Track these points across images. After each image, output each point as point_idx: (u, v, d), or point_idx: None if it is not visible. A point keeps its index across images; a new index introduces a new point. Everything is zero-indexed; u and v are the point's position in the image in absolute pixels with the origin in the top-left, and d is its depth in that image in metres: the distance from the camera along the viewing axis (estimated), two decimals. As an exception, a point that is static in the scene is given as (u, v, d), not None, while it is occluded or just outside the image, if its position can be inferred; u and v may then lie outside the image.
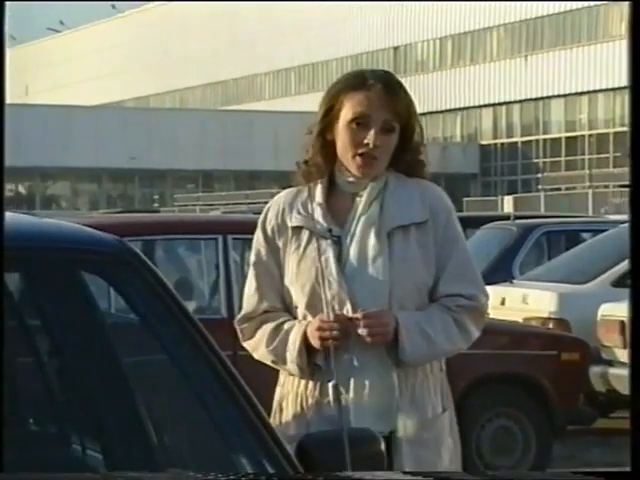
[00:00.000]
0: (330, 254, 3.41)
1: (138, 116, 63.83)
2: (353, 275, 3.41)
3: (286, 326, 3.46)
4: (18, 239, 2.64)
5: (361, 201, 3.46)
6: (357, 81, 3.47)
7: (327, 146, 3.48)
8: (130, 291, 2.59)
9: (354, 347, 3.38)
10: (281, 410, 3.46)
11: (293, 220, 3.48)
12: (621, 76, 51.85)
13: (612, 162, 51.64)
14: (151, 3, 77.37)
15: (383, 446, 2.48)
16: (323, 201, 3.47)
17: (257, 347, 3.51)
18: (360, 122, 3.42)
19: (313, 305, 3.41)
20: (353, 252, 3.42)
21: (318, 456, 2.36)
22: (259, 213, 3.61)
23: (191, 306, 7.12)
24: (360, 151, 3.41)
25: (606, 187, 40.19)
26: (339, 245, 3.43)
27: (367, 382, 3.40)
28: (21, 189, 62.89)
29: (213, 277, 7.67)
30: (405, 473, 2.37)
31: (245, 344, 3.55)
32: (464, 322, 3.44)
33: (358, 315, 3.35)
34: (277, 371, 3.55)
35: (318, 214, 3.46)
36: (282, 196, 3.56)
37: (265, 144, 58.19)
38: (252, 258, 3.57)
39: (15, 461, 2.46)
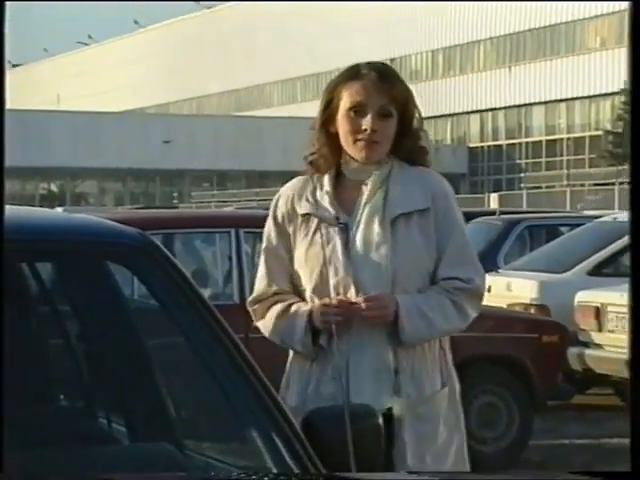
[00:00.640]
0: (337, 241, 3.31)
1: (159, 122, 63.85)
2: (358, 261, 3.30)
3: (294, 308, 3.37)
4: (51, 232, 2.64)
5: (367, 189, 3.34)
6: (352, 72, 3.36)
7: (331, 138, 3.36)
8: (151, 279, 2.59)
9: (355, 329, 3.29)
10: (287, 386, 3.40)
11: (302, 208, 3.37)
12: (596, 85, 51.84)
13: (588, 163, 51.61)
14: (171, 19, 77.30)
15: (381, 420, 2.47)
16: (331, 189, 3.36)
17: (267, 327, 3.43)
18: (357, 110, 3.31)
19: (320, 289, 3.32)
20: (358, 239, 3.31)
21: (322, 429, 2.35)
22: (268, 209, 3.53)
23: (206, 293, 7.12)
24: (360, 137, 3.30)
25: (582, 186, 40.15)
26: (346, 232, 3.32)
27: (366, 361, 3.29)
28: (53, 187, 62.94)
29: (226, 267, 7.66)
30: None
31: (257, 324, 3.47)
32: (461, 304, 3.33)
33: (360, 299, 3.25)
34: (285, 353, 3.48)
35: (326, 202, 3.35)
36: (292, 184, 3.45)
37: (274, 147, 58.17)
38: (263, 244, 3.47)
39: (47, 433, 2.46)
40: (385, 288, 3.30)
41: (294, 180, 3.46)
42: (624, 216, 12.44)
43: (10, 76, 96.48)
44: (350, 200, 3.35)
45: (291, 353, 3.45)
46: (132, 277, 2.72)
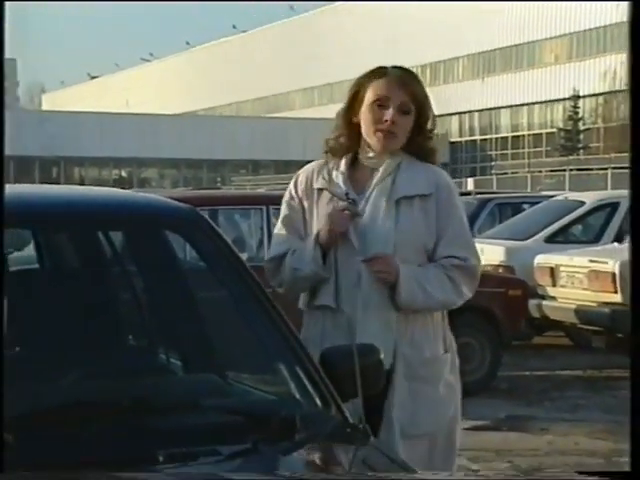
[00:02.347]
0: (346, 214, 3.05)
1: (207, 121, 63.78)
2: (365, 232, 3.03)
3: (304, 242, 3.09)
4: (121, 207, 2.63)
5: (378, 174, 3.08)
6: (379, 71, 3.09)
7: (352, 127, 3.09)
8: (200, 245, 2.58)
9: (363, 291, 3.01)
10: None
11: (317, 183, 3.10)
12: (551, 92, 51.56)
13: (544, 154, 51.32)
14: (215, 41, 77.09)
15: (382, 356, 2.43)
16: (346, 171, 3.09)
17: (282, 272, 3.08)
18: (381, 103, 3.03)
19: (328, 255, 3.04)
20: (367, 213, 3.03)
21: (335, 363, 2.34)
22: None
23: (244, 256, 7.10)
24: (380, 127, 3.02)
25: (540, 172, 39.90)
26: (354, 207, 3.06)
27: (370, 321, 2.99)
28: (123, 173, 62.92)
29: (259, 236, 7.69)
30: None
31: (272, 281, 3.13)
32: (456, 279, 3.04)
33: (371, 256, 3.00)
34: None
35: (339, 180, 3.08)
36: (312, 165, 3.19)
37: (296, 141, 58.04)
38: (281, 214, 3.18)
39: (120, 366, 2.45)
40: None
41: (314, 162, 3.21)
42: (573, 195, 12.39)
43: (89, 86, 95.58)
44: (361, 182, 3.10)
45: (306, 316, 3.13)
46: (184, 243, 2.70)
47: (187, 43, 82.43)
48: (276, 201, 7.91)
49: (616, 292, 8.55)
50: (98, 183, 48.78)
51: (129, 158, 59.40)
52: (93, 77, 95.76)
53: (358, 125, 3.08)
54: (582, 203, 11.01)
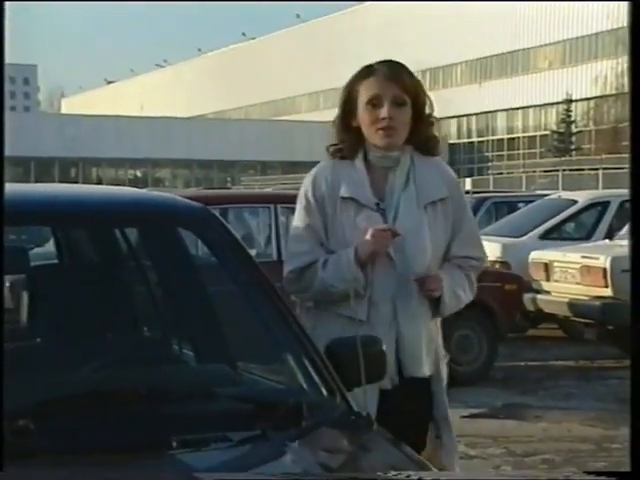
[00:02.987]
0: (379, 225, 2.80)
1: (217, 124, 63.76)
2: (400, 245, 2.79)
3: (336, 255, 2.81)
4: (136, 205, 2.62)
5: (396, 176, 2.85)
6: (366, 71, 2.90)
7: (353, 131, 2.88)
8: (212, 242, 2.57)
9: (400, 300, 2.81)
10: None
11: (343, 191, 2.83)
12: (544, 96, 51.48)
13: (539, 155, 51.23)
14: (226, 48, 77.07)
15: (384, 347, 2.40)
16: (366, 175, 2.86)
17: (308, 283, 2.82)
18: (375, 102, 2.83)
19: (364, 270, 2.80)
20: (399, 225, 2.80)
21: (340, 354, 2.33)
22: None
23: (252, 252, 7.11)
24: (379, 125, 2.82)
25: (534, 172, 39.83)
26: (383, 217, 2.83)
27: (418, 331, 2.81)
28: (138, 173, 62.94)
29: (267, 233, 7.68)
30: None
31: (291, 289, 2.88)
32: (472, 279, 2.94)
33: (422, 274, 2.80)
34: None
35: (366, 187, 2.84)
36: (327, 166, 2.91)
37: (302, 143, 58.00)
38: (299, 222, 2.87)
39: (135, 356, 2.45)
40: (425, 266, 2.85)
41: (323, 163, 2.94)
42: (566, 194, 12.36)
43: (106, 91, 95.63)
44: (380, 186, 2.86)
45: (323, 315, 2.86)
46: (196, 240, 2.70)
47: (199, 50, 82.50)
48: (283, 200, 7.98)
49: (607, 286, 8.54)
50: (114, 183, 48.83)
51: (144, 159, 59.43)
52: (110, 82, 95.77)
53: (358, 128, 2.89)
54: (575, 202, 10.99)
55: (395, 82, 2.85)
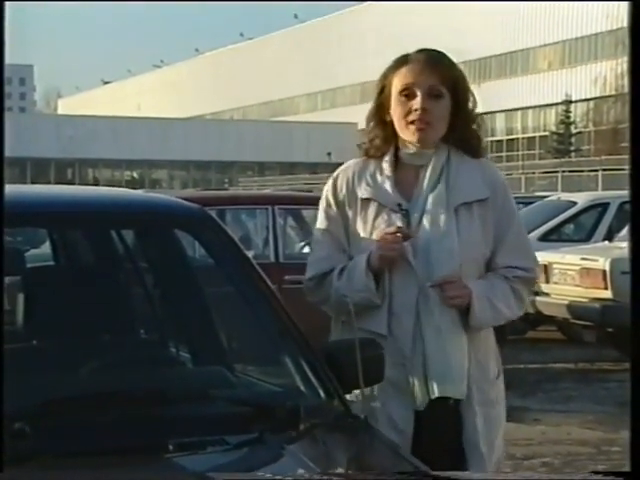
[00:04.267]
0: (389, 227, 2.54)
1: (215, 125, 63.82)
2: (426, 250, 2.52)
3: (351, 262, 2.58)
4: (133, 207, 2.62)
5: (426, 176, 2.57)
6: (400, 59, 2.61)
7: (386, 127, 2.59)
8: (208, 243, 2.57)
9: (424, 312, 2.52)
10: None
11: (363, 191, 2.58)
12: (544, 97, 51.54)
13: (538, 156, 51.26)
14: (224, 48, 77.09)
15: (383, 351, 2.36)
16: (392, 174, 2.57)
17: (326, 294, 2.59)
18: (408, 93, 2.54)
19: (382, 279, 2.55)
20: (424, 227, 2.52)
21: (338, 356, 2.33)
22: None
23: (250, 254, 7.10)
24: (411, 118, 2.53)
25: (533, 173, 39.83)
26: (407, 219, 2.54)
27: (446, 348, 2.52)
28: (135, 175, 62.95)
29: (265, 234, 7.68)
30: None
31: (312, 298, 2.65)
32: (520, 291, 2.61)
33: (439, 280, 2.50)
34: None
35: (388, 187, 2.56)
36: (351, 166, 2.65)
37: (300, 144, 58.07)
38: (320, 225, 2.64)
39: (132, 358, 2.45)
40: (453, 274, 2.55)
41: (351, 162, 2.67)
42: (565, 196, 12.37)
43: (103, 91, 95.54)
44: (408, 185, 2.59)
45: (346, 330, 2.56)
46: (194, 241, 2.70)
47: (196, 50, 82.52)
48: (281, 201, 7.98)
49: (606, 288, 8.54)
50: (111, 184, 48.83)
51: (141, 160, 59.47)
52: (106, 83, 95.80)
53: (392, 123, 2.60)
54: (574, 203, 10.99)
55: (431, 71, 2.55)
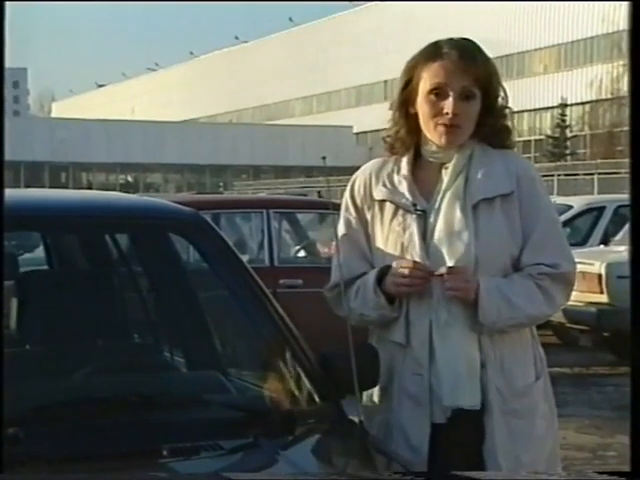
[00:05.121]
0: (414, 229, 2.39)
1: (209, 128, 63.82)
2: (437, 251, 2.37)
3: (362, 279, 2.44)
4: (127, 211, 2.62)
5: (447, 174, 2.42)
6: (432, 51, 2.41)
7: (410, 119, 2.44)
8: (203, 247, 2.57)
9: (435, 316, 2.37)
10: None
11: (378, 193, 2.44)
12: (539, 100, 51.62)
13: (533, 160, 51.27)
14: (218, 51, 77.13)
15: (379, 356, 2.34)
16: (409, 173, 2.43)
17: (346, 311, 2.39)
18: (438, 92, 2.38)
19: None
20: (438, 227, 2.37)
21: (333, 360, 2.32)
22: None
23: (245, 258, 7.11)
24: (441, 121, 2.38)
25: (529, 177, 39.81)
26: (424, 219, 2.39)
27: (451, 353, 2.35)
28: (129, 178, 62.91)
29: (259, 238, 7.66)
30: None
31: (337, 311, 2.48)
32: (547, 288, 2.40)
33: (443, 270, 2.34)
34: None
35: (403, 187, 2.42)
36: (369, 166, 2.52)
37: (295, 147, 58.08)
38: (341, 230, 2.49)
39: (125, 362, 2.45)
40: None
41: (372, 162, 2.54)
42: (561, 200, 12.37)
43: (97, 94, 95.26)
44: (429, 184, 2.44)
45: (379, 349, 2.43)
46: (188, 245, 2.70)
47: (191, 53, 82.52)
48: (276, 205, 7.97)
49: (602, 292, 8.54)
50: (105, 188, 48.82)
51: (135, 164, 59.45)
52: (101, 86, 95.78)
53: (416, 116, 2.44)
54: (570, 207, 11.00)
55: (465, 71, 2.38)
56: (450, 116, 2.37)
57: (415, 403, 2.37)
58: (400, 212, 2.41)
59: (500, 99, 2.47)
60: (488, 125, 2.43)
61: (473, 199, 2.38)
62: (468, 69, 2.38)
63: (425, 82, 2.40)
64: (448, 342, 2.36)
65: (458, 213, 2.37)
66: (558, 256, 2.43)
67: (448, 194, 2.39)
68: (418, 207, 2.40)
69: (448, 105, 2.37)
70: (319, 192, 14.73)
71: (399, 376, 2.38)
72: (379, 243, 2.43)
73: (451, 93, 2.38)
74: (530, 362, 2.45)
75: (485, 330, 2.36)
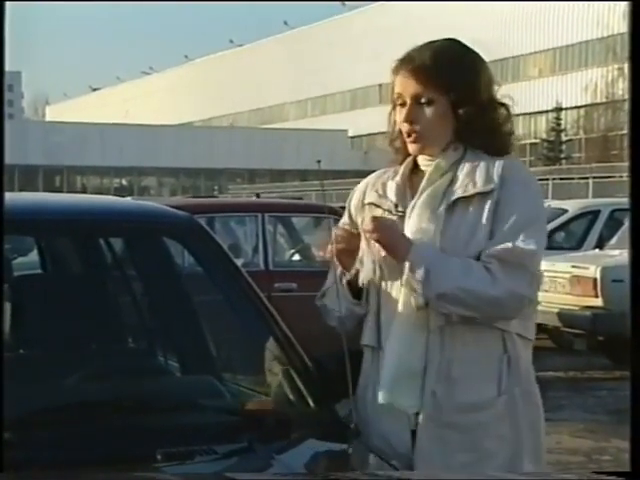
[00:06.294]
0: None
1: (204, 132, 63.82)
2: None
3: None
4: (121, 215, 2.62)
5: (426, 177, 2.38)
6: (398, 62, 2.42)
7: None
8: (197, 251, 2.57)
9: (391, 316, 2.31)
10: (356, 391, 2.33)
11: (368, 197, 2.44)
12: (534, 104, 51.69)
13: (529, 163, 51.35)
14: (213, 55, 77.15)
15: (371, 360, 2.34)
16: (401, 179, 2.40)
17: (326, 314, 2.39)
18: (401, 102, 2.38)
19: (372, 281, 2.36)
20: (409, 225, 2.33)
21: (328, 365, 2.33)
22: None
23: (239, 262, 7.10)
24: (404, 129, 2.38)
25: (524, 181, 39.86)
26: (404, 220, 2.36)
27: (392, 355, 2.28)
28: (124, 182, 62.86)
29: (254, 242, 7.67)
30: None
31: (328, 321, 2.40)
32: (494, 270, 2.25)
33: (367, 222, 2.32)
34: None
35: (391, 191, 2.41)
36: (371, 176, 2.53)
37: (289, 151, 58.08)
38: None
39: (119, 367, 2.45)
40: None
41: (375, 172, 2.54)
42: (556, 203, 12.39)
43: (91, 98, 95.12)
44: (417, 189, 2.40)
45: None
46: (182, 249, 2.70)
47: (186, 57, 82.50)
48: (271, 209, 7.98)
49: (597, 296, 8.56)
50: (99, 191, 48.74)
51: (129, 167, 59.40)
52: (95, 89, 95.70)
53: None
54: (565, 211, 11.02)
55: (417, 77, 2.35)
56: (407, 125, 2.36)
57: (387, 408, 2.29)
58: (386, 214, 2.37)
59: (485, 100, 2.43)
60: (472, 127, 2.35)
61: (451, 198, 2.32)
62: (421, 74, 2.34)
63: (393, 94, 2.40)
64: (392, 341, 2.28)
65: (429, 211, 2.32)
66: (518, 244, 2.28)
67: (424, 195, 2.35)
68: (399, 209, 2.37)
69: (402, 114, 2.37)
70: (300, 198, 14.81)
71: (373, 385, 2.31)
72: (363, 244, 2.37)
73: (408, 102, 2.36)
74: (493, 377, 2.29)
75: (433, 323, 2.27)
